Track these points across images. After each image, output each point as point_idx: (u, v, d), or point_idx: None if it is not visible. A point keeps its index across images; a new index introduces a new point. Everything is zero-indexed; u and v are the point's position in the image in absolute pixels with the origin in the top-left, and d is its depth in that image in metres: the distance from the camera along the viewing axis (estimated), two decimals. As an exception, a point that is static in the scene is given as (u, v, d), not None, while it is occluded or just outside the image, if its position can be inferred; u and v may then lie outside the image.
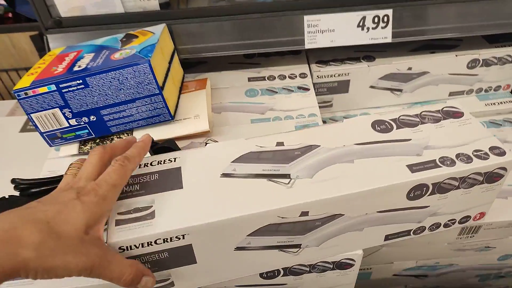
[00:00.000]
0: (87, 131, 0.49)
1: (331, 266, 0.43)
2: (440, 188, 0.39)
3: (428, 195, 0.39)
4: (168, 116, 0.49)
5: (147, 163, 0.39)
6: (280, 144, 0.41)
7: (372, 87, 0.65)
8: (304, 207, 0.36)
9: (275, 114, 0.56)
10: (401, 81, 0.65)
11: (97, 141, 0.50)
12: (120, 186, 0.34)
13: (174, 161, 0.39)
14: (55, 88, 0.45)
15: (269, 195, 0.36)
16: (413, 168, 0.37)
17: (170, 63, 0.52)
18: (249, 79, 0.62)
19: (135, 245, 0.33)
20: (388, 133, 0.41)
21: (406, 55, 0.64)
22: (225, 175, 0.38)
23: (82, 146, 0.50)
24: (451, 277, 0.65)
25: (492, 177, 0.40)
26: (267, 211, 0.35)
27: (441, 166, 0.38)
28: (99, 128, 0.49)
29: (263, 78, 0.62)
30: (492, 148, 0.39)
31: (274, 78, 0.62)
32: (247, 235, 0.36)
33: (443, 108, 0.44)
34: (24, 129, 0.63)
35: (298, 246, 0.40)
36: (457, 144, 0.40)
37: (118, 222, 0.34)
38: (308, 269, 0.43)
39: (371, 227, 0.40)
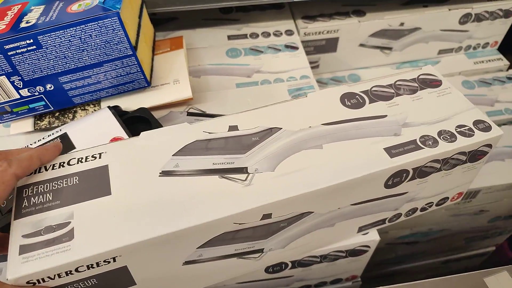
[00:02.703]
0: (43, 103, 0.40)
1: (344, 254, 0.39)
2: (421, 172, 0.34)
3: (407, 181, 0.34)
4: (144, 82, 0.41)
5: (63, 162, 0.30)
6: (233, 128, 0.33)
7: (361, 45, 0.60)
8: (266, 209, 0.29)
9: (263, 76, 0.50)
10: (392, 39, 0.60)
11: (57, 114, 0.42)
12: None
13: (100, 157, 0.30)
14: (-2, 50, 0.36)
15: (222, 197, 0.28)
16: (392, 151, 0.32)
17: (140, 17, 0.43)
18: (229, 37, 0.55)
19: (49, 277, 0.25)
20: (360, 108, 0.35)
21: (398, 9, 0.59)
22: (165, 173, 0.30)
23: (38, 122, 0.41)
24: (440, 242, 0.64)
25: (476, 155, 0.35)
26: (219, 219, 0.27)
27: (423, 148, 0.32)
28: (59, 99, 0.40)
29: (244, 36, 0.55)
30: (476, 123, 0.34)
31: (257, 35, 0.55)
32: (197, 248, 0.29)
33: (419, 76, 0.38)
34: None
35: (260, 251, 0.34)
36: (438, 119, 0.34)
37: (23, 249, 0.25)
38: (318, 259, 0.38)
39: (344, 221, 0.35)
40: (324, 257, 0.38)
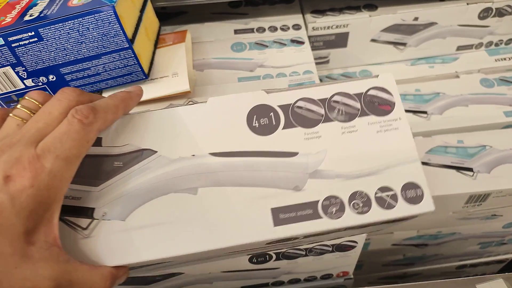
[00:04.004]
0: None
1: (330, 249, 0.38)
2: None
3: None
4: (141, 75, 0.42)
5: None
6: (96, 141, 0.26)
7: (373, 40, 0.58)
8: None
9: (265, 71, 0.49)
10: (406, 34, 0.58)
11: (60, 104, 0.44)
12: (77, 158, 0.22)
13: None
14: (4, 42, 0.37)
15: None
16: (279, 216, 0.24)
17: (142, 11, 0.44)
18: (236, 31, 0.55)
19: None
20: (270, 135, 0.27)
21: (412, 2, 0.56)
22: None
23: (43, 111, 0.43)
24: (451, 245, 0.61)
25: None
26: None
27: (321, 217, 0.25)
28: (61, 89, 0.42)
29: (251, 30, 0.55)
30: (407, 187, 0.26)
31: (264, 30, 0.55)
32: None
33: (368, 90, 0.28)
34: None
35: None
36: (362, 173, 0.26)
37: None
38: (304, 252, 0.38)
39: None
40: (310, 251, 0.38)
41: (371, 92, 0.28)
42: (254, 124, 0.27)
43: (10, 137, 0.22)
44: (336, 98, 0.28)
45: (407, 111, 0.56)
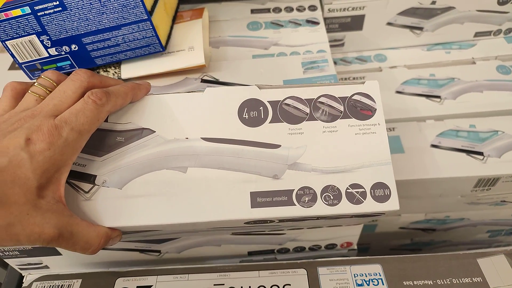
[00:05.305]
0: (69, 62, 0.44)
1: None
2: (286, 222, 0.30)
3: (274, 225, 0.30)
4: (159, 47, 0.43)
5: None
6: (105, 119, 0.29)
7: (389, 24, 0.59)
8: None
9: (280, 49, 0.50)
10: (423, 18, 0.58)
11: (81, 74, 0.45)
12: (88, 133, 0.26)
13: None
14: (30, 11, 0.39)
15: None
16: (257, 199, 0.27)
17: (161, -14, 0.45)
18: (252, 11, 0.56)
19: None
20: (256, 127, 0.29)
21: (430, -13, 0.56)
22: None
23: (65, 79, 0.45)
24: (460, 232, 0.62)
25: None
26: None
27: (294, 205, 0.27)
28: (83, 59, 0.44)
29: (267, 10, 0.56)
30: (376, 186, 0.28)
31: (280, 10, 0.56)
32: None
33: (353, 95, 0.31)
34: (13, 67, 0.58)
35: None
36: (336, 169, 0.28)
37: None
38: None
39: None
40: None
41: (356, 97, 0.31)
42: (244, 116, 0.30)
43: (31, 110, 0.26)
44: (322, 99, 0.30)
45: (420, 95, 0.56)
